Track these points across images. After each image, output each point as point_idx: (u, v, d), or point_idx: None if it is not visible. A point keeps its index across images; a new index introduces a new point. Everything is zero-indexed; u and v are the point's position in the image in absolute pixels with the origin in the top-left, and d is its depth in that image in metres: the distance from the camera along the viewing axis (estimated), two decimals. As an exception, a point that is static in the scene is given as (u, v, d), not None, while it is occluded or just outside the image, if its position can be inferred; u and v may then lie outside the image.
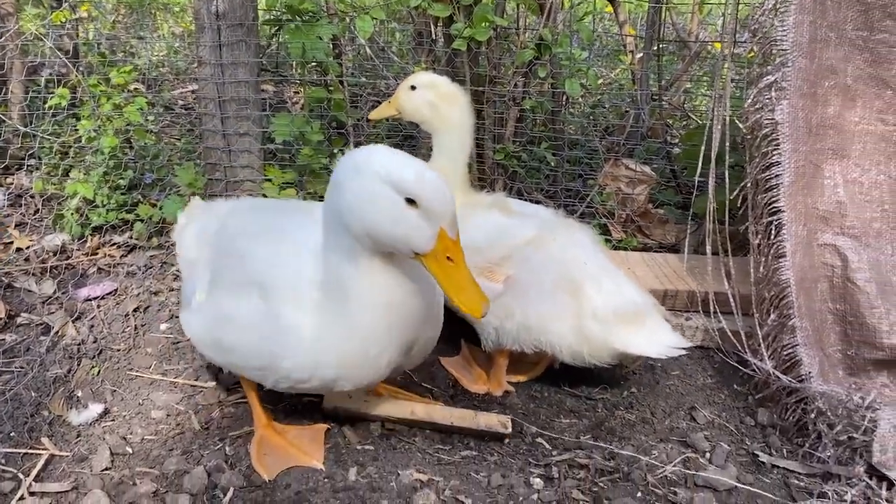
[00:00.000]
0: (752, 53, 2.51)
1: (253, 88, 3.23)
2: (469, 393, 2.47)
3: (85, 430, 2.21)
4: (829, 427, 2.17)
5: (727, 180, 2.57)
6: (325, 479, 2.01)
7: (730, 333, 2.57)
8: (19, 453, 2.10)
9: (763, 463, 2.17)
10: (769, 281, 2.41)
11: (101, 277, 3.10)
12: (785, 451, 2.23)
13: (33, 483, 1.98)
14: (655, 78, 4.06)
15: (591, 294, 2.28)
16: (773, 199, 2.38)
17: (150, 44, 5.78)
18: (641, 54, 4.17)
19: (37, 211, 3.57)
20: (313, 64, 3.77)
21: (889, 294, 2.34)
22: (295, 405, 2.33)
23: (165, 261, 3.23)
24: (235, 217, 2.21)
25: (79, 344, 2.62)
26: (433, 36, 3.24)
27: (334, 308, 1.77)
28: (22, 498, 1.93)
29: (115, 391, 2.40)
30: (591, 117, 4.72)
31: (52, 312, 2.81)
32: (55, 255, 3.20)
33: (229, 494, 1.94)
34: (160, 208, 3.35)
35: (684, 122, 4.84)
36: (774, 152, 2.37)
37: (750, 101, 2.43)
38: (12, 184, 3.81)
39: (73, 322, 2.74)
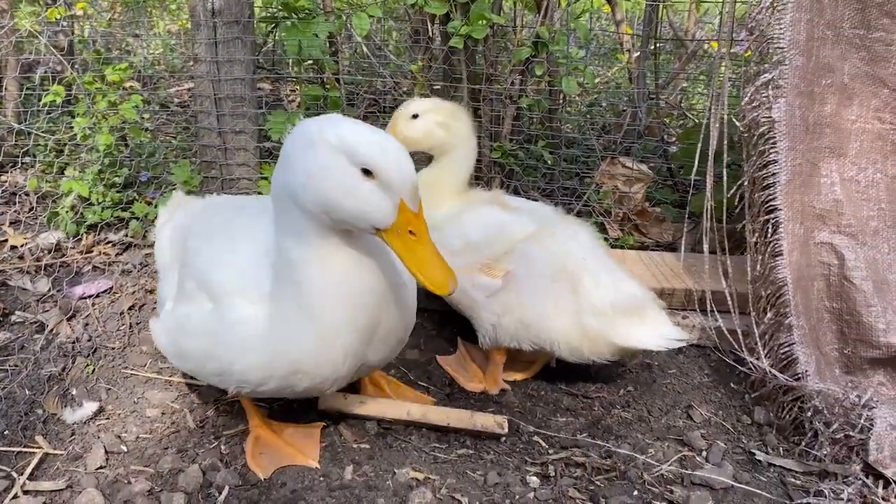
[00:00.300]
0: (749, 53, 2.51)
1: (249, 86, 3.22)
2: (466, 391, 2.47)
3: (79, 429, 2.20)
4: (825, 425, 2.17)
5: (724, 179, 2.57)
6: (321, 478, 2.00)
7: (726, 332, 2.57)
8: (13, 452, 2.09)
9: (759, 461, 2.17)
10: (766, 279, 2.41)
11: (95, 275, 3.08)
12: (781, 449, 2.23)
13: (27, 482, 1.97)
14: (652, 76, 4.06)
15: (589, 289, 2.27)
16: (770, 197, 2.38)
17: (145, 41, 5.76)
18: (638, 53, 4.16)
19: (31, 209, 3.56)
20: (309, 62, 3.76)
21: (885, 292, 2.34)
22: (290, 403, 2.32)
23: (161, 259, 3.21)
24: (199, 217, 2.14)
25: (73, 342, 2.61)
26: (430, 33, 3.23)
27: (284, 297, 1.68)
28: (16, 497, 1.92)
29: (109, 389, 2.39)
30: (588, 116, 4.71)
31: (47, 310, 2.80)
32: (50, 252, 3.18)
33: (224, 493, 1.94)
34: (156, 206, 3.34)
35: (681, 122, 4.84)
36: (771, 150, 2.37)
37: (747, 99, 2.42)
38: (6, 181, 3.79)
39: (67, 320, 2.72)
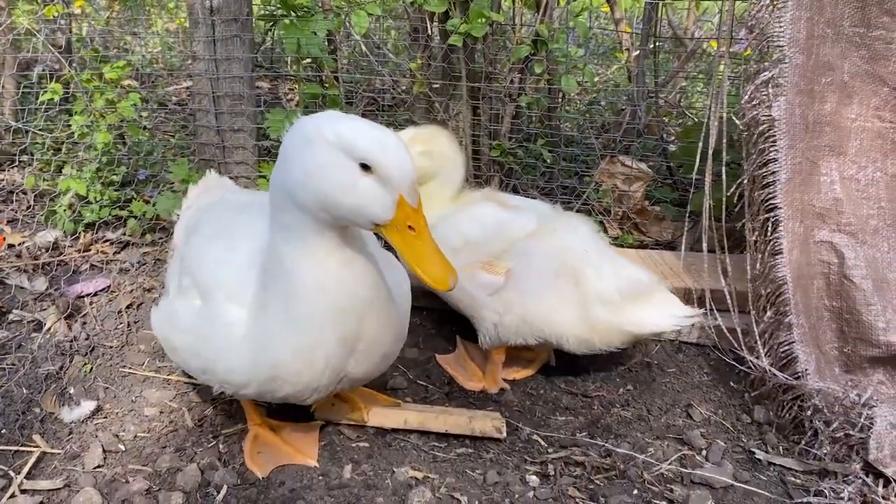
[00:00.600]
0: (749, 51, 2.50)
1: (247, 84, 3.21)
2: (465, 390, 2.46)
3: (77, 428, 2.19)
4: (825, 424, 2.17)
5: (724, 177, 2.56)
6: (320, 477, 2.00)
7: (726, 331, 2.57)
8: (10, 451, 2.08)
9: (759, 460, 2.17)
10: (766, 278, 2.40)
11: (93, 274, 3.07)
12: (781, 448, 2.23)
13: (25, 481, 1.96)
14: (652, 75, 4.06)
15: (593, 280, 2.28)
16: (770, 195, 2.37)
17: (143, 39, 5.75)
18: (638, 51, 4.16)
19: (29, 207, 3.55)
20: (308, 60, 3.75)
21: (885, 291, 2.34)
22: (288, 403, 2.31)
23: (159, 257, 3.20)
24: (206, 213, 2.13)
25: (71, 341, 2.60)
26: (429, 32, 3.22)
27: (269, 300, 1.67)
28: (13, 496, 1.91)
29: (107, 388, 2.38)
30: (588, 114, 4.71)
31: (45, 309, 2.79)
32: (47, 251, 3.17)
33: (223, 492, 1.93)
34: (154, 205, 3.33)
35: (680, 120, 4.83)
36: (771, 149, 2.36)
37: (747, 97, 2.42)
38: (4, 179, 3.78)
39: (65, 319, 2.71)
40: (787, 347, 2.34)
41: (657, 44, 4.05)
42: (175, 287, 2.00)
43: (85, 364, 2.48)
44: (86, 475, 1.98)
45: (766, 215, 2.39)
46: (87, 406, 2.25)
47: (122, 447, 2.11)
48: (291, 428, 2.16)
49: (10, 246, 3.20)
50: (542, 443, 2.21)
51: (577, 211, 3.37)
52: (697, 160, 2.71)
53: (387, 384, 2.45)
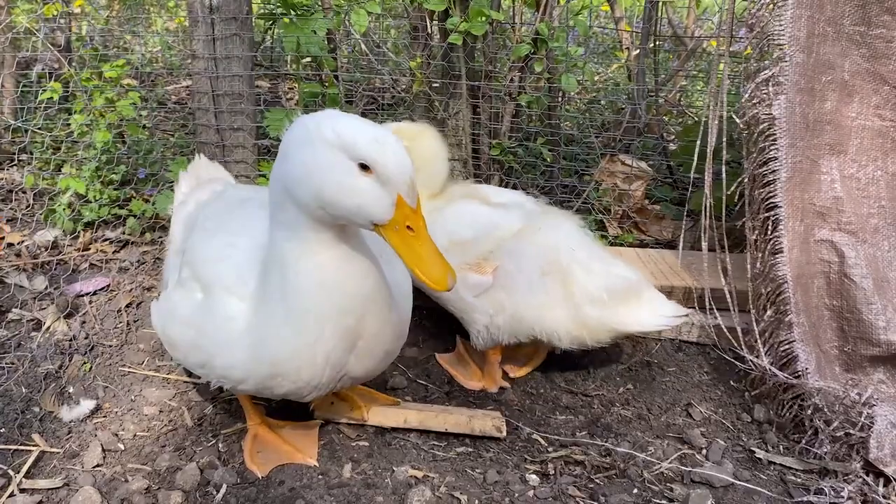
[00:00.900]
0: (749, 50, 2.50)
1: (247, 83, 3.21)
2: (465, 390, 2.46)
3: (76, 427, 2.19)
4: (825, 423, 2.17)
5: (724, 176, 2.56)
6: (319, 476, 1.99)
7: (726, 330, 2.56)
8: (9, 450, 2.08)
9: (760, 459, 2.17)
10: (766, 277, 2.40)
11: (93, 273, 3.07)
12: (781, 447, 2.22)
13: (24, 480, 1.96)
14: (652, 74, 4.05)
15: (582, 278, 2.28)
16: (770, 194, 2.37)
17: (143, 38, 5.74)
18: (638, 50, 4.15)
19: (28, 206, 3.54)
20: (308, 59, 3.75)
21: (886, 290, 2.34)
22: (288, 401, 2.30)
23: (158, 256, 3.20)
24: (207, 208, 2.13)
25: (70, 340, 2.60)
26: (429, 30, 3.22)
27: (269, 295, 1.67)
28: (12, 495, 1.90)
29: (106, 387, 2.38)
30: (588, 113, 4.70)
31: (44, 308, 2.79)
32: (47, 250, 3.17)
33: (222, 491, 1.93)
34: (153, 204, 3.33)
35: (680, 119, 4.83)
36: (771, 148, 2.36)
37: (747, 96, 2.42)
38: (3, 178, 3.78)
39: (64, 318, 2.71)
40: (787, 346, 2.34)
41: (657, 42, 4.05)
42: (174, 280, 2.00)
43: (84, 363, 2.48)
44: (85, 474, 1.98)
45: (767, 214, 2.38)
46: (87, 405, 2.24)
47: (122, 446, 2.11)
48: (291, 427, 2.16)
49: (10, 245, 3.20)
50: (542, 442, 2.21)
51: (577, 210, 3.36)
52: (697, 159, 2.71)
53: (387, 383, 2.45)
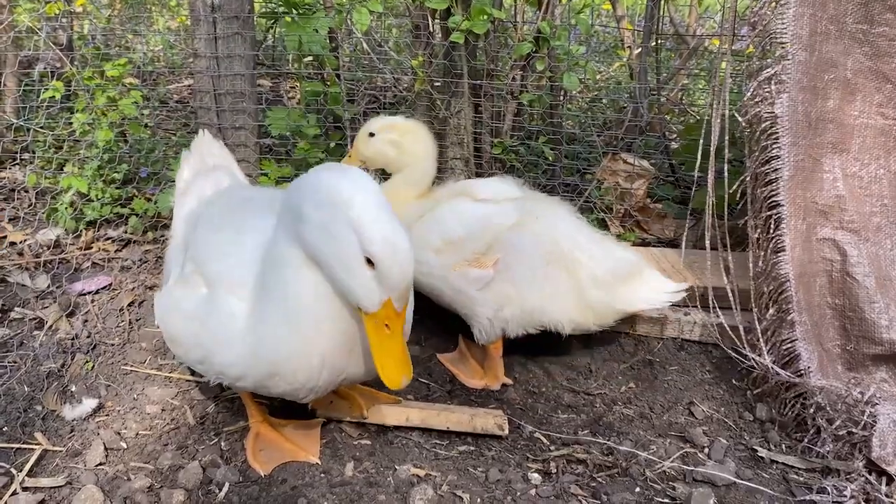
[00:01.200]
0: (751, 49, 2.49)
1: (249, 82, 3.21)
2: (467, 388, 2.46)
3: (79, 425, 2.19)
4: (828, 422, 2.16)
5: (726, 175, 2.56)
6: (322, 474, 1.99)
7: (728, 328, 2.56)
8: (12, 448, 2.08)
9: (762, 458, 2.16)
10: (768, 275, 2.40)
11: (95, 272, 3.07)
12: (784, 446, 2.22)
13: (26, 478, 1.96)
14: (654, 73, 4.05)
15: (585, 263, 2.34)
16: (773, 193, 2.37)
17: (145, 37, 5.74)
18: (640, 49, 4.15)
19: (30, 205, 3.54)
20: (309, 58, 3.75)
21: (888, 289, 2.33)
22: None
23: (160, 255, 3.20)
24: (211, 204, 2.13)
25: (73, 338, 2.60)
26: (430, 29, 3.22)
27: (269, 295, 1.69)
28: (15, 493, 1.91)
29: (109, 386, 2.38)
30: (590, 112, 4.70)
31: (46, 307, 2.79)
32: (49, 249, 3.17)
33: (224, 489, 1.93)
34: (155, 202, 3.33)
35: (682, 118, 4.83)
36: (774, 146, 2.36)
37: (749, 94, 2.41)
38: (6, 177, 3.78)
39: (66, 316, 2.71)
40: (789, 345, 2.34)
41: (659, 41, 4.04)
42: (177, 274, 2.01)
43: (86, 362, 2.48)
44: (87, 473, 1.98)
45: (769, 213, 2.38)
46: (89, 404, 2.25)
47: (124, 445, 2.11)
48: (293, 425, 2.16)
49: (12, 244, 3.21)
50: (545, 440, 2.21)
51: (580, 209, 3.36)
52: (699, 157, 2.71)
53: (388, 382, 2.45)
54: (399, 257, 1.52)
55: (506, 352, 2.52)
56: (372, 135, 2.55)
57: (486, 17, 2.96)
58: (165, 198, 3.23)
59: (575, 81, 3.20)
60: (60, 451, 2.08)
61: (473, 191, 2.51)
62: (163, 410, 2.27)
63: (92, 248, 3.24)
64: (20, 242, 3.21)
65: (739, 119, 2.47)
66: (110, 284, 2.96)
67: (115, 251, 3.24)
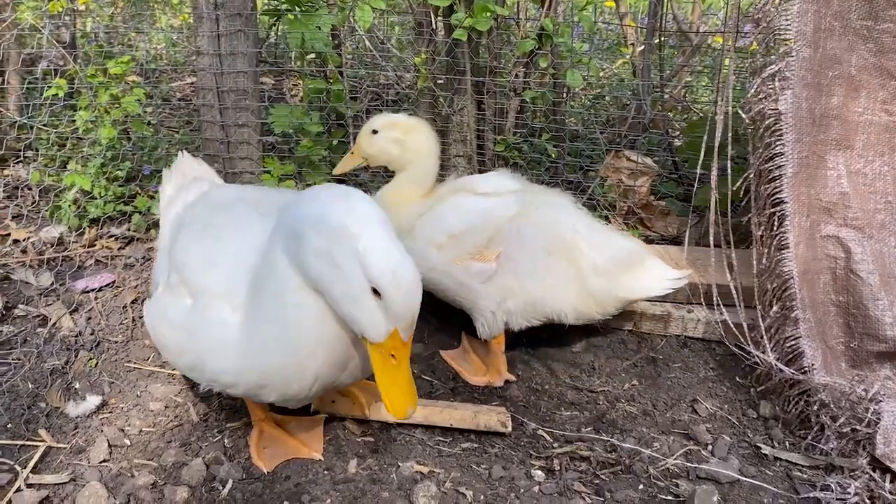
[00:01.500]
0: (755, 45, 2.49)
1: (252, 79, 3.21)
2: (470, 386, 2.46)
3: (82, 422, 2.19)
4: (831, 419, 2.16)
5: (729, 172, 2.55)
6: (325, 471, 2.00)
7: (732, 326, 2.56)
8: (16, 445, 2.08)
9: (765, 455, 2.16)
10: (772, 272, 2.39)
11: (98, 269, 3.08)
12: (787, 443, 2.22)
13: (30, 475, 1.97)
14: (657, 70, 4.04)
15: (587, 252, 2.36)
16: (776, 190, 2.36)
17: (148, 35, 5.74)
18: (643, 46, 4.14)
19: (34, 202, 3.54)
20: (312, 55, 3.74)
21: (892, 286, 2.33)
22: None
23: (164, 253, 3.20)
24: (193, 210, 2.09)
25: (76, 336, 2.61)
26: (433, 26, 3.21)
27: (261, 307, 1.66)
28: (19, 490, 1.91)
29: (112, 383, 2.39)
30: (593, 109, 4.69)
31: (50, 304, 2.79)
32: (52, 246, 3.18)
33: (228, 486, 1.93)
34: (158, 200, 3.33)
35: (686, 115, 4.82)
36: (777, 143, 2.35)
37: (753, 91, 2.41)
38: (9, 175, 3.78)
39: (70, 314, 2.72)
40: (793, 342, 2.34)
41: (662, 38, 4.03)
42: (164, 282, 1.99)
43: (90, 359, 2.49)
44: (91, 469, 1.99)
45: (773, 210, 2.38)
46: (93, 401, 2.25)
47: (128, 442, 2.11)
48: (296, 422, 2.16)
49: (16, 241, 3.21)
50: (548, 437, 2.21)
51: (583, 206, 3.36)
52: (702, 155, 2.70)
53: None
54: (405, 285, 1.48)
55: (508, 348, 2.52)
56: (375, 132, 2.55)
57: (489, 13, 2.95)
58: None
59: (578, 78, 3.19)
60: (64, 448, 2.08)
61: (474, 186, 2.51)
62: (166, 407, 2.27)
63: (95, 245, 3.24)
64: (24, 240, 3.22)
65: (743, 116, 2.47)
66: (113, 282, 2.96)
67: (119, 249, 3.24)
